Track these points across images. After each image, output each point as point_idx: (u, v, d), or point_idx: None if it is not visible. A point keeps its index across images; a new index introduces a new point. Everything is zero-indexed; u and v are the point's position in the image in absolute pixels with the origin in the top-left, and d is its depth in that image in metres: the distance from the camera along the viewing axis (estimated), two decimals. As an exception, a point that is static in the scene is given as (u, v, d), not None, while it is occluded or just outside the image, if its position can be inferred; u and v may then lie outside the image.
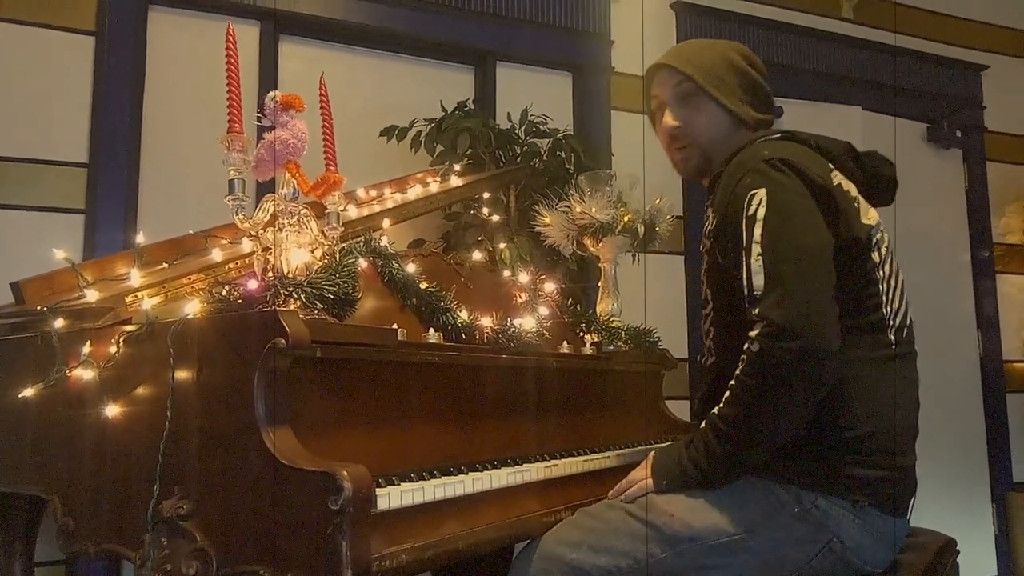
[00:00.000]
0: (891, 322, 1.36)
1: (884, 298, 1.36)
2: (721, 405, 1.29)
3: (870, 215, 1.40)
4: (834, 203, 1.33)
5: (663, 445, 1.47)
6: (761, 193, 1.28)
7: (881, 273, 1.36)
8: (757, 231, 1.26)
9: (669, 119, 1.54)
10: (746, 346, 1.24)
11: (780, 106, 3.52)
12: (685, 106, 1.52)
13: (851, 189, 1.40)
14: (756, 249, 1.25)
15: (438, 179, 2.47)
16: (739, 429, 1.27)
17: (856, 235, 1.34)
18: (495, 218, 2.48)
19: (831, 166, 1.40)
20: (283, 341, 1.12)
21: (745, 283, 1.25)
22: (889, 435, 1.31)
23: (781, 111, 3.52)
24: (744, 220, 1.28)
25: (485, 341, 1.59)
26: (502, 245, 2.38)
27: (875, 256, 1.36)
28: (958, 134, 3.96)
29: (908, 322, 1.41)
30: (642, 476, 1.39)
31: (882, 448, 1.30)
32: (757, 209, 1.27)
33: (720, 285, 1.42)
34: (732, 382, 1.27)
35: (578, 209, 2.08)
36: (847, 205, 1.35)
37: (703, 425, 1.33)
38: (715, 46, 1.58)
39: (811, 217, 1.29)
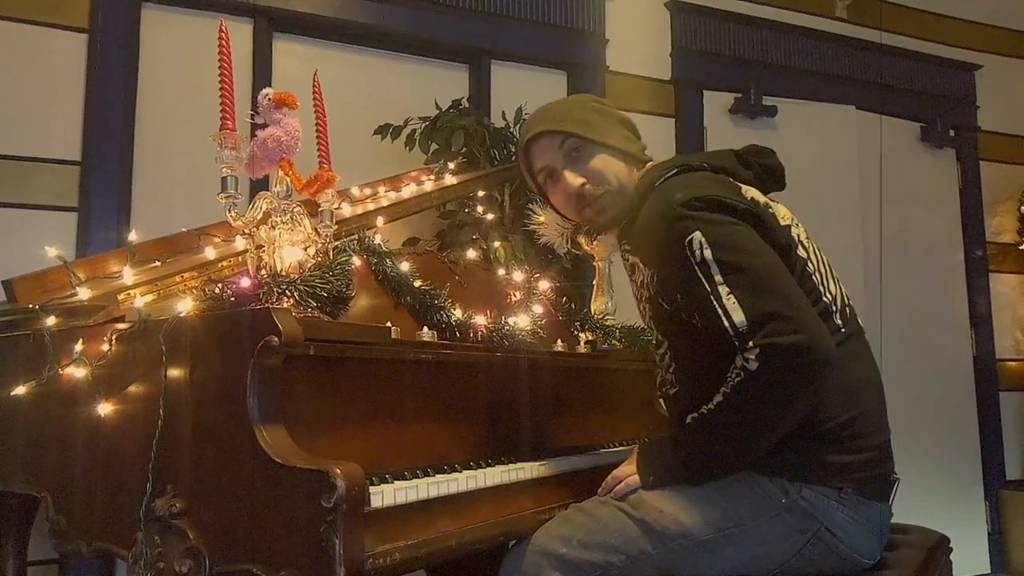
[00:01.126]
0: (833, 307, 1.39)
1: (821, 288, 1.38)
2: (713, 408, 1.30)
3: (782, 214, 1.43)
4: (758, 219, 1.35)
5: (646, 443, 1.47)
6: (698, 236, 1.28)
7: (811, 265, 1.39)
8: (716, 275, 1.27)
9: (571, 180, 1.52)
10: (739, 364, 1.26)
11: (774, 105, 3.52)
12: (580, 161, 1.51)
13: (759, 196, 1.43)
14: (724, 290, 1.26)
15: (432, 177, 2.47)
16: (739, 431, 1.28)
17: (783, 241, 1.37)
18: (489, 216, 2.48)
19: (735, 182, 1.43)
20: (276, 339, 1.12)
21: (726, 324, 1.26)
22: (864, 417, 1.34)
23: (775, 110, 3.52)
24: (696, 267, 1.28)
25: (479, 339, 1.59)
26: (496, 243, 2.38)
27: (801, 252, 1.39)
28: (952, 133, 3.98)
29: (848, 301, 1.44)
30: (628, 473, 1.40)
31: (859, 432, 1.33)
32: (703, 252, 1.27)
33: (672, 328, 1.44)
34: (725, 389, 1.28)
35: (572, 207, 2.08)
36: (765, 214, 1.38)
37: (690, 423, 1.34)
38: (569, 101, 1.67)
39: (753, 240, 1.31)
